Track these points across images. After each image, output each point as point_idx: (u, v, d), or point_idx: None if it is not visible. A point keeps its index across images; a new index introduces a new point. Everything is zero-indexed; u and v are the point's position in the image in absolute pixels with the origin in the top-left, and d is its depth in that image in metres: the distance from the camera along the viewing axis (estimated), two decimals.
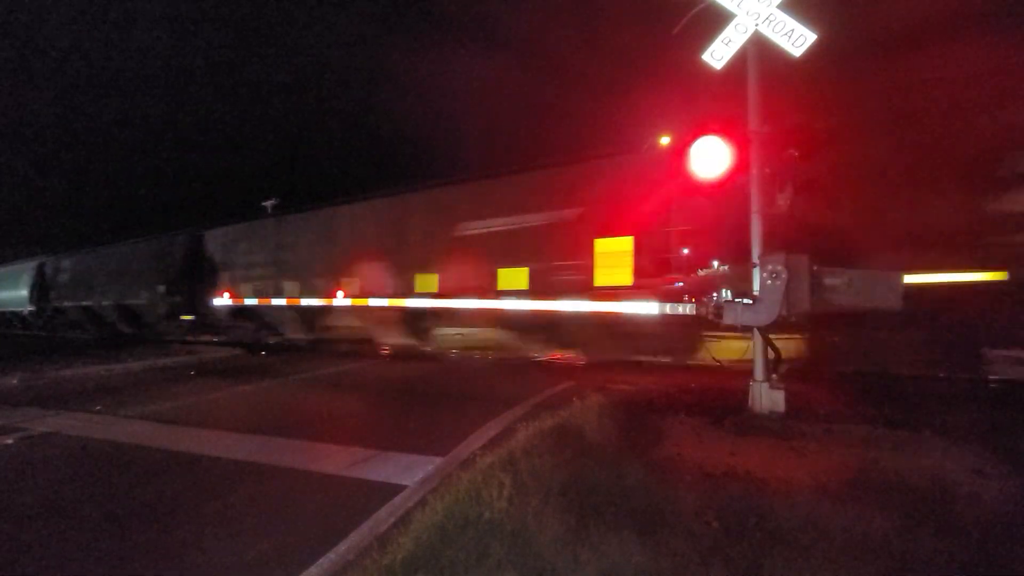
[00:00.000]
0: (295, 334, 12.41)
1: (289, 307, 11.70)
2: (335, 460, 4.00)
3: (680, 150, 4.79)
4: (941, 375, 6.16)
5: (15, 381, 8.07)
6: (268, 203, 13.86)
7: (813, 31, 4.32)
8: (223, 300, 11.46)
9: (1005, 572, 2.25)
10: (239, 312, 12.94)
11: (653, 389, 5.80)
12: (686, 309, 5.04)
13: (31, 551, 2.78)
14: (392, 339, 10.66)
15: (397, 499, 3.18)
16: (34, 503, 3.42)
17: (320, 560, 2.49)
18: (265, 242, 12.71)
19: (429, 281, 9.47)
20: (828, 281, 4.37)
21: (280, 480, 3.66)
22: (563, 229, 8.08)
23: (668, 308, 5.34)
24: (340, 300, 9.98)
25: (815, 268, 4.38)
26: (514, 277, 8.54)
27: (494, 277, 8.62)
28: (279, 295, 11.88)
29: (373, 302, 9.78)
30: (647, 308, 5.63)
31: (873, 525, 2.50)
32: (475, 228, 9.02)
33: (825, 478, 3.12)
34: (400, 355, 10.49)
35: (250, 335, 13.27)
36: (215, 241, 13.88)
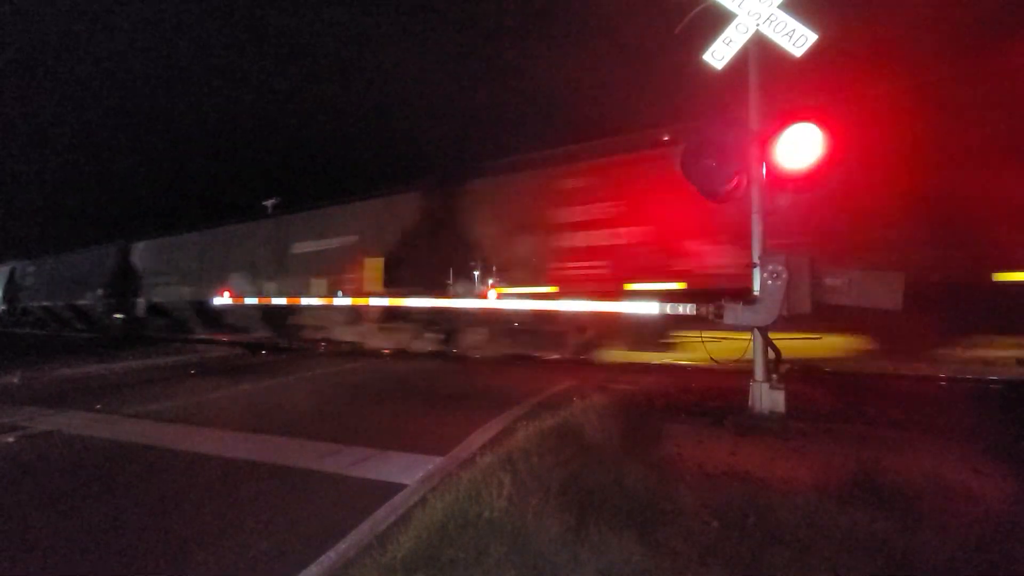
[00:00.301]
0: (195, 328, 15.16)
1: (188, 305, 14.64)
2: (335, 459, 4.00)
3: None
4: (941, 375, 6.17)
5: (16, 380, 8.09)
6: (269, 202, 13.87)
7: (814, 31, 4.31)
8: (223, 299, 11.85)
9: (1005, 572, 2.25)
10: (154, 310, 15.78)
11: (653, 389, 5.80)
12: (686, 309, 5.03)
13: (31, 550, 2.79)
14: (259, 331, 13.43)
15: (397, 498, 3.18)
16: (34, 502, 3.42)
17: (321, 558, 2.50)
18: (169, 254, 15.73)
19: (279, 286, 12.37)
20: (829, 281, 4.36)
21: (280, 479, 3.67)
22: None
23: (668, 308, 5.33)
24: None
25: (816, 268, 4.38)
26: (319, 284, 11.54)
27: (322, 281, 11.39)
28: (180, 296, 14.93)
29: (248, 301, 12.10)
30: (647, 308, 5.62)
31: (873, 525, 2.51)
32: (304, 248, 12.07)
33: (825, 478, 3.12)
34: (400, 355, 10.52)
35: (164, 330, 15.86)
36: (137, 252, 16.82)
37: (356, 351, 11.12)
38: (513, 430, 4.16)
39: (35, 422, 5.41)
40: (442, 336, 10.13)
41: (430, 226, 9.96)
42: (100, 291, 17.29)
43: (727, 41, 4.63)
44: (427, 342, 10.32)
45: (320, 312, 11.47)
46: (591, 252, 8.15)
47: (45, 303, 20.81)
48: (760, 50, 4.58)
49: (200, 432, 4.97)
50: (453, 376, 8.25)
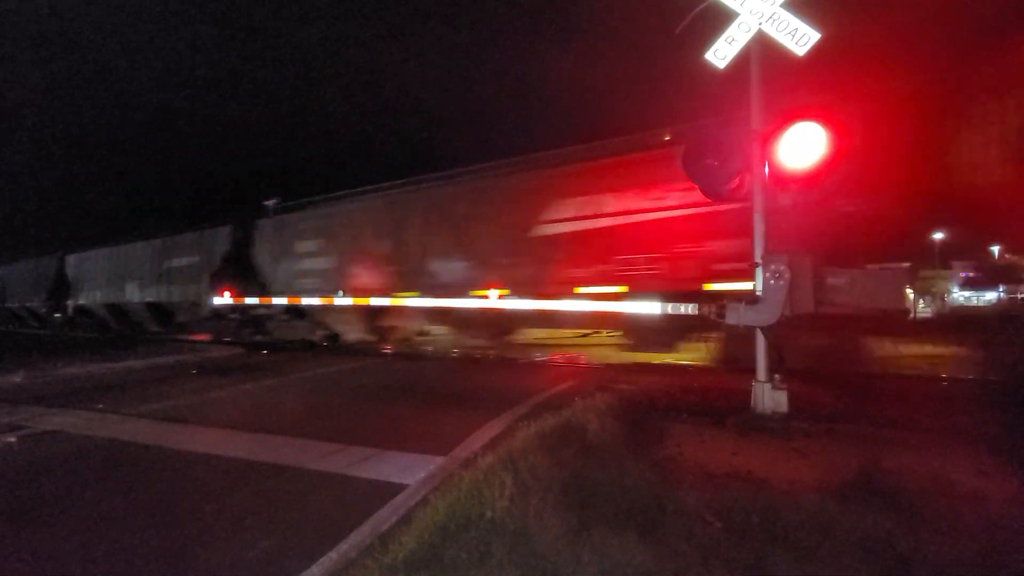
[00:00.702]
0: (117, 326, 17.66)
1: (104, 307, 17.57)
2: (336, 459, 4.00)
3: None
4: (943, 375, 6.16)
5: (18, 379, 8.11)
6: (269, 202, 13.87)
7: (817, 30, 4.29)
8: (223, 299, 11.91)
9: (1008, 572, 2.24)
10: (82, 311, 18.61)
11: (655, 389, 5.79)
12: (688, 309, 5.02)
13: (33, 549, 2.79)
14: (153, 327, 16.39)
15: (398, 498, 3.17)
16: (36, 501, 3.43)
17: (322, 559, 2.49)
18: (92, 264, 18.35)
19: (157, 292, 15.58)
20: (831, 281, 4.35)
21: (281, 479, 3.66)
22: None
23: (670, 308, 5.32)
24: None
25: (818, 268, 4.37)
26: (184, 290, 14.80)
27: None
28: (95, 300, 17.89)
29: (133, 301, 16.57)
30: (649, 308, 5.61)
31: (876, 526, 2.49)
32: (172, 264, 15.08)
33: (828, 478, 3.11)
34: (400, 354, 10.52)
35: (93, 327, 18.32)
36: (70, 262, 19.62)
37: (358, 351, 11.12)
38: (514, 430, 4.15)
39: (37, 421, 5.42)
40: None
41: (234, 250, 13.43)
42: (44, 295, 20.83)
43: (729, 40, 4.62)
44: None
45: (187, 310, 14.81)
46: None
47: (7, 304, 24.58)
48: (762, 48, 4.56)
49: (201, 432, 4.97)
50: (453, 376, 8.25)
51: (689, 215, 7.18)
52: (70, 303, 19.13)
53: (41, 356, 10.52)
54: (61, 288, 19.60)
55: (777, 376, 4.55)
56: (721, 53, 4.65)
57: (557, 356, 9.58)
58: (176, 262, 14.70)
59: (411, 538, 2.47)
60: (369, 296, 9.73)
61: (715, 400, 5.15)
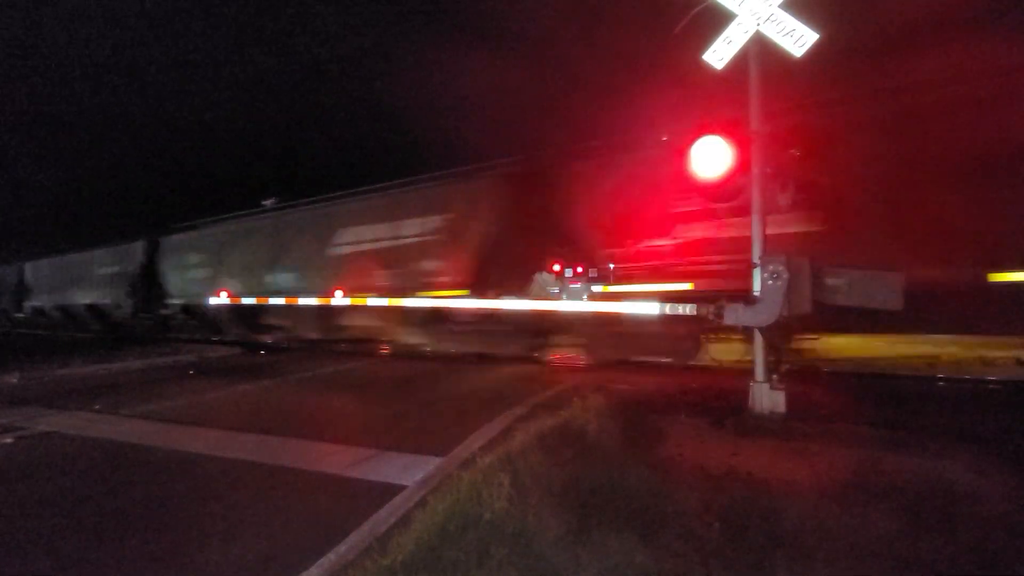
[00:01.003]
0: (63, 325, 19.68)
1: (55, 308, 20.02)
2: (335, 460, 3.99)
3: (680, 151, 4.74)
4: (940, 375, 6.17)
5: (15, 380, 8.07)
6: (267, 202, 13.90)
7: (815, 31, 4.30)
8: (219, 299, 12.13)
9: (1006, 572, 2.25)
10: (39, 312, 21.00)
11: (653, 390, 5.79)
12: (687, 309, 5.02)
13: (30, 550, 2.77)
14: (95, 326, 18.11)
15: (397, 499, 3.17)
16: (33, 502, 3.41)
17: (320, 560, 2.48)
18: (44, 271, 20.90)
19: (82, 295, 18.25)
20: (829, 282, 4.36)
21: (280, 480, 3.65)
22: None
23: (668, 308, 5.32)
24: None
25: (816, 268, 4.37)
26: (105, 293, 17.35)
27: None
28: (45, 302, 20.57)
29: (51, 305, 20.16)
30: (648, 308, 5.61)
31: (875, 526, 2.50)
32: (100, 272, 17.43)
33: (826, 479, 3.12)
34: (399, 354, 10.51)
35: (45, 327, 20.43)
36: (27, 269, 22.05)
37: (355, 352, 11.10)
38: (513, 430, 4.14)
39: (34, 422, 5.40)
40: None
41: (145, 262, 15.52)
42: (7, 296, 23.40)
43: (728, 41, 4.62)
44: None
45: (117, 311, 16.70)
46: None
47: None
48: (760, 49, 4.57)
49: (199, 432, 4.96)
50: (452, 376, 8.24)
51: (414, 243, 9.79)
52: (27, 305, 21.89)
53: (38, 357, 10.47)
54: (21, 291, 22.47)
55: (775, 376, 4.56)
56: (719, 54, 4.66)
57: (555, 357, 9.58)
58: (105, 270, 17.07)
59: (410, 540, 2.47)
60: (240, 298, 12.24)
61: (713, 400, 5.15)
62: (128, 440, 4.72)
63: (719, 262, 6.94)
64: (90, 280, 17.69)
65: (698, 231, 7.16)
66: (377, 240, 10.46)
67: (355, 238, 10.85)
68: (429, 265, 9.63)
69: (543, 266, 7.83)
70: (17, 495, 3.55)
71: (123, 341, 13.46)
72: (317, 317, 11.27)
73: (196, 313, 14.16)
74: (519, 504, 2.70)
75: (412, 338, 10.37)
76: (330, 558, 2.50)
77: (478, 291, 8.77)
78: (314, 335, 11.77)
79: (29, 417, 5.64)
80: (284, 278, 11.97)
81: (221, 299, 12.22)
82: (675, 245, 7.33)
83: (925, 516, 2.59)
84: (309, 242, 11.64)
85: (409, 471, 3.66)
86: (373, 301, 9.55)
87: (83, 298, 18.01)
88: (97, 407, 6.09)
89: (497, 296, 8.21)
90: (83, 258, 18.35)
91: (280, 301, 11.33)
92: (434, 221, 9.65)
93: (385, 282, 10.09)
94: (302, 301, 10.80)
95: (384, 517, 2.92)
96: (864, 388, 5.65)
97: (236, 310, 12.86)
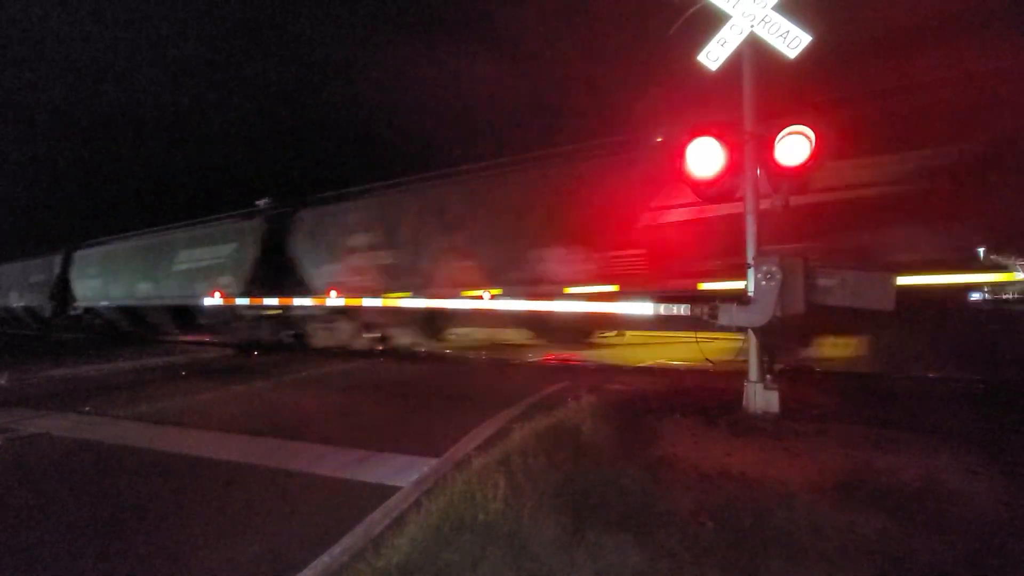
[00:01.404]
0: (5, 324, 22.67)
1: (22, 310, 21.30)
2: (328, 461, 3.97)
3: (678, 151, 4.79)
4: (933, 376, 6.22)
5: (3, 381, 7.98)
6: (261, 202, 13.81)
7: (809, 32, 4.33)
8: (213, 300, 12.04)
9: (999, 572, 2.26)
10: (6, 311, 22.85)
11: (648, 389, 5.80)
12: (681, 309, 5.04)
13: (19, 553, 2.74)
14: (33, 325, 20.72)
15: (391, 501, 3.15)
16: (22, 505, 3.37)
17: (313, 563, 2.47)
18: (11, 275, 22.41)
19: (33, 299, 20.19)
20: (822, 282, 4.38)
21: (273, 482, 3.63)
22: None
23: (663, 308, 5.34)
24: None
25: (809, 269, 4.39)
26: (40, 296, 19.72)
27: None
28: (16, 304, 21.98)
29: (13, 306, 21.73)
30: (643, 308, 5.62)
31: (868, 525, 2.51)
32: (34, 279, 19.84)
33: (819, 478, 3.13)
34: (394, 355, 10.47)
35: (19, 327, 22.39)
36: None
37: (349, 352, 11.06)
38: (508, 431, 4.14)
39: (23, 424, 5.33)
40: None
41: (61, 272, 18.19)
42: None
43: (721, 42, 4.64)
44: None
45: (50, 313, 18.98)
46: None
47: None
48: (753, 51, 4.59)
49: (191, 434, 4.92)
50: (446, 377, 8.23)
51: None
52: (208, 300, 23.34)
53: (27, 357, 10.35)
54: None
55: (768, 376, 4.58)
56: (713, 55, 4.67)
57: (550, 357, 9.60)
58: (35, 278, 19.84)
59: (404, 541, 2.46)
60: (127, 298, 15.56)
61: (707, 400, 5.16)
62: (119, 442, 4.67)
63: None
64: (26, 286, 20.65)
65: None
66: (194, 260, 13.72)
67: (185, 259, 14.02)
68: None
69: None
70: (6, 497, 3.50)
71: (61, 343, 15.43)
72: (173, 315, 14.72)
73: (96, 313, 17.53)
74: (514, 505, 2.69)
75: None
76: (323, 560, 2.49)
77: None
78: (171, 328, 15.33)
79: (18, 418, 5.57)
80: (145, 287, 14.89)
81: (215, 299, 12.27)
82: None
83: (917, 515, 2.61)
84: (159, 261, 14.61)
85: (403, 472, 3.65)
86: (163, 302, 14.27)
87: (20, 301, 21.19)
88: (87, 409, 6.03)
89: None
90: (22, 267, 21.37)
91: (151, 303, 14.81)
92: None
93: (188, 287, 13.38)
94: (158, 303, 14.60)
95: (378, 519, 2.90)
96: (858, 387, 5.68)
97: (123, 310, 16.16)
